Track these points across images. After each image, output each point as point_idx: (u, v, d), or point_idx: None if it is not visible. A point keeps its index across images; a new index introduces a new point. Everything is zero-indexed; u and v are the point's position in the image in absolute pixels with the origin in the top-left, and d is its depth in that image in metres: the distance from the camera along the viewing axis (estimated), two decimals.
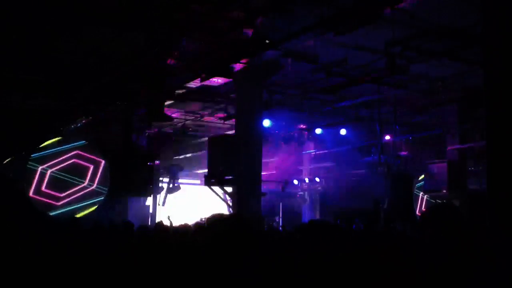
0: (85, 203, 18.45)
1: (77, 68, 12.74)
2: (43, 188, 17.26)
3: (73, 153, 18.45)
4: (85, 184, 18.56)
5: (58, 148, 18.14)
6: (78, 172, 18.38)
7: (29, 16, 9.44)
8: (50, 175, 17.62)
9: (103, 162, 18.82)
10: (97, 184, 18.93)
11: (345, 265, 3.68)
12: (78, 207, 18.19)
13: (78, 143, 18.60)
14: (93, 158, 18.96)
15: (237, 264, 2.96)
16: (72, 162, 18.15)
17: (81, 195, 18.52)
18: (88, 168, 18.80)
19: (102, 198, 18.59)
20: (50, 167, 17.42)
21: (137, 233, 7.87)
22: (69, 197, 17.93)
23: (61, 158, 18.24)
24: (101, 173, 18.83)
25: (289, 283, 3.48)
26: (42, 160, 17.46)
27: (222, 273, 2.92)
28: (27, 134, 17.10)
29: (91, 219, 12.47)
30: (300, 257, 4.10)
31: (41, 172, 16.98)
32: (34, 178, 17.03)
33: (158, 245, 6.04)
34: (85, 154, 18.64)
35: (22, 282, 3.54)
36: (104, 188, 18.64)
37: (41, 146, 17.71)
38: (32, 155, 17.50)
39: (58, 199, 17.62)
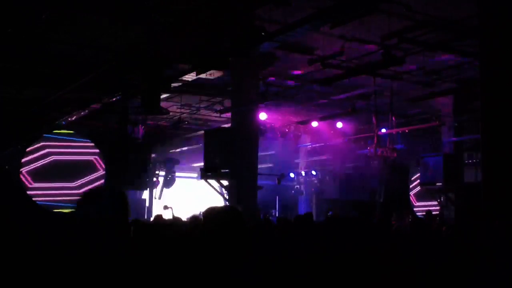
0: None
1: (73, 59, 12.69)
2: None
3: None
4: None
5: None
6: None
7: (25, 6, 9.38)
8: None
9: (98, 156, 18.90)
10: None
11: (341, 262, 3.68)
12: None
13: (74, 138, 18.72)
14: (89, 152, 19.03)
15: (232, 258, 2.96)
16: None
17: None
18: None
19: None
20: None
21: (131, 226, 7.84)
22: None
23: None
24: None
25: (282, 277, 3.48)
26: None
27: (217, 266, 2.92)
28: (23, 125, 17.06)
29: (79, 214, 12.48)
30: (294, 251, 4.10)
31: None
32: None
33: (155, 238, 6.03)
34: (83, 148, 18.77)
35: (19, 273, 3.53)
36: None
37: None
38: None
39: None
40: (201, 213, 4.11)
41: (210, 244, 3.06)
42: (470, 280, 3.92)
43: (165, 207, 12.08)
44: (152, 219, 14.64)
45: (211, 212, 3.27)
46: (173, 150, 22.01)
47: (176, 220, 9.72)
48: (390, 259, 3.40)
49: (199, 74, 11.94)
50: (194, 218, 8.05)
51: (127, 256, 4.51)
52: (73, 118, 16.54)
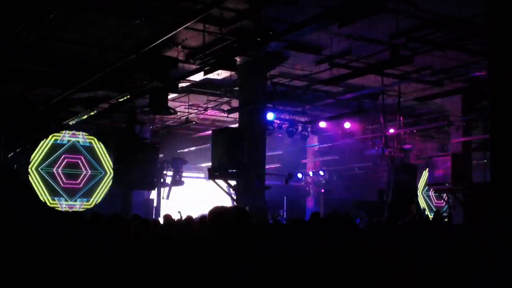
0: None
1: (81, 58, 12.73)
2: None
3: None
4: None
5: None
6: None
7: (33, 6, 9.42)
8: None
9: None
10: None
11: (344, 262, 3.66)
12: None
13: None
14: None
15: (239, 259, 2.95)
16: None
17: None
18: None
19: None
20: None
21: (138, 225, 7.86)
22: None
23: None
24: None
25: (288, 277, 3.47)
26: None
27: (224, 267, 2.91)
28: (31, 125, 17.12)
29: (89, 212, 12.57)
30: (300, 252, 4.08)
31: None
32: None
33: (163, 237, 6.04)
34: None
35: (25, 273, 3.54)
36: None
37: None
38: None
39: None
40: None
41: (217, 244, 3.05)
42: (476, 280, 3.89)
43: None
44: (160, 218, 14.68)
45: (218, 212, 3.26)
46: (181, 150, 22.03)
47: (185, 220, 9.73)
48: (390, 257, 3.38)
49: (207, 74, 11.96)
50: (203, 218, 8.06)
51: (130, 254, 4.52)
52: (82, 118, 16.58)
